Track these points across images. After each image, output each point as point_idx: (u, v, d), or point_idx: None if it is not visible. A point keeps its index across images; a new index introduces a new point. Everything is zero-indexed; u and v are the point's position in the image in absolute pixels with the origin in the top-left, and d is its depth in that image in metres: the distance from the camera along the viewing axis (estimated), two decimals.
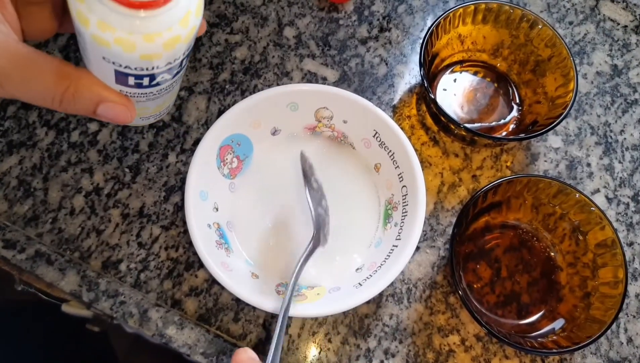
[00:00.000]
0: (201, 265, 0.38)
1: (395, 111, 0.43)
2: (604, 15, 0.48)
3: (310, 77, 0.44)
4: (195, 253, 0.38)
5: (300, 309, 0.33)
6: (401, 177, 0.37)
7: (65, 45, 0.43)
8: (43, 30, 0.26)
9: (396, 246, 0.35)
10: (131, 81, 0.24)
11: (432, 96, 0.38)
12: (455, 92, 0.44)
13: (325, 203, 0.37)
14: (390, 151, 0.38)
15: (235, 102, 0.42)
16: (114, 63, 0.23)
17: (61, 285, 0.37)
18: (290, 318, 0.37)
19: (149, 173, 0.40)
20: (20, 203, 0.39)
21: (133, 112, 0.25)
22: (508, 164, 0.42)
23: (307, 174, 0.37)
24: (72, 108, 0.23)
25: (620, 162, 0.43)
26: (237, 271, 0.34)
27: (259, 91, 0.42)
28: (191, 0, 0.22)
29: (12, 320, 0.46)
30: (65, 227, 0.39)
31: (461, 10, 0.40)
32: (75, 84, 0.23)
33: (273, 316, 0.37)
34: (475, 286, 0.38)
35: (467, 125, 0.42)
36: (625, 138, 0.44)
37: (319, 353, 0.36)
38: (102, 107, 0.24)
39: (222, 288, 0.37)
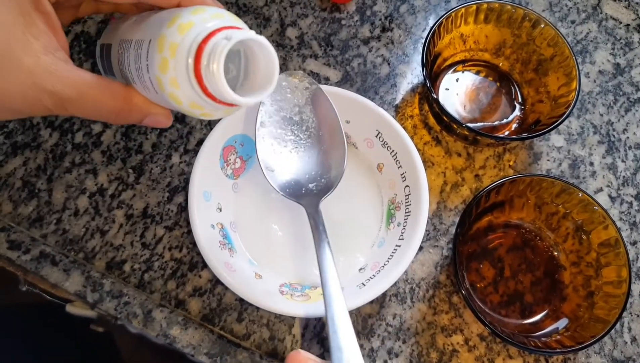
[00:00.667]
0: (205, 265, 0.38)
1: (398, 111, 0.44)
2: (606, 14, 0.48)
3: (313, 78, 0.44)
4: (198, 253, 0.38)
5: (304, 309, 0.33)
6: (404, 177, 0.37)
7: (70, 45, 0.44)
8: (63, 25, 0.28)
9: (399, 246, 0.35)
10: None
11: (435, 96, 0.38)
12: (458, 92, 0.44)
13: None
14: (392, 150, 0.38)
15: None
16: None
17: (66, 286, 0.37)
18: (293, 317, 0.37)
19: (152, 174, 0.40)
20: (24, 204, 0.39)
21: (171, 119, 0.29)
22: (511, 163, 0.42)
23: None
24: (123, 121, 0.27)
25: (623, 161, 0.43)
26: (240, 271, 0.34)
27: None
28: None
29: (16, 320, 0.46)
30: (70, 228, 0.39)
31: (463, 10, 0.41)
32: (129, 104, 0.27)
33: (277, 317, 0.37)
34: (478, 285, 0.38)
35: (469, 125, 0.42)
36: (628, 137, 0.44)
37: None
38: (148, 119, 0.28)
39: (226, 288, 0.37)
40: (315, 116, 0.36)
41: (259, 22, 0.46)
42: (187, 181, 0.40)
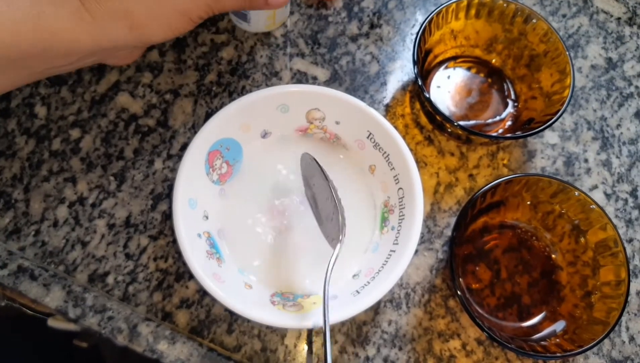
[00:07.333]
0: (192, 276, 0.36)
1: (389, 110, 0.42)
2: (597, 7, 0.47)
3: (300, 77, 0.43)
4: (185, 263, 0.36)
5: (297, 320, 0.32)
6: (397, 179, 0.36)
7: None
8: None
9: (394, 251, 0.34)
10: None
11: (427, 95, 0.37)
12: (450, 89, 0.42)
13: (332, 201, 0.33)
14: (384, 152, 0.37)
15: (222, 104, 0.41)
16: None
17: (46, 301, 0.35)
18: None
19: (134, 181, 0.39)
20: (0, 216, 0.37)
21: None
22: (505, 162, 0.41)
23: (307, 178, 0.36)
24: (256, 4, 0.33)
25: (617, 157, 0.42)
26: (229, 282, 0.33)
27: (247, 92, 0.41)
28: None
29: None
30: (49, 239, 0.37)
31: (454, 5, 0.39)
32: None
33: (268, 327, 0.36)
34: (474, 288, 0.37)
35: (462, 123, 0.40)
36: (621, 132, 0.43)
37: None
38: None
39: (215, 299, 0.35)
40: (310, 186, 0.36)
41: None
42: (171, 188, 0.38)
